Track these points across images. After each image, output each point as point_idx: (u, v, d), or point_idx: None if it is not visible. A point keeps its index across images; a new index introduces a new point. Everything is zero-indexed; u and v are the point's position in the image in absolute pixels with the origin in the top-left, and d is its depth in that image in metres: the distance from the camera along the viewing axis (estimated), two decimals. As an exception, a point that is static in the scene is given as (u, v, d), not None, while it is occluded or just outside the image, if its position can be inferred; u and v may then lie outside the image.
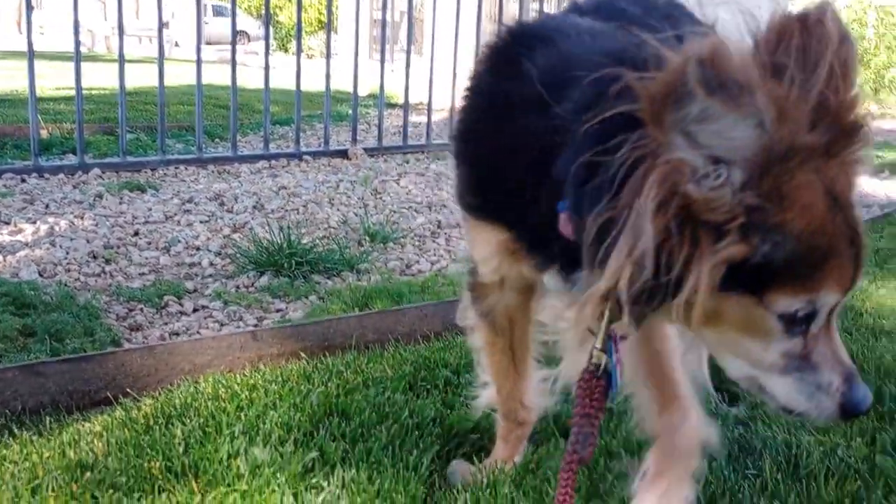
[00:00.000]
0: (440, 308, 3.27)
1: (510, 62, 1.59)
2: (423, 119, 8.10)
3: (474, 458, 2.11)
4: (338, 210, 5.37)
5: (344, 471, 1.99)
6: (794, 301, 1.24)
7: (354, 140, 7.56)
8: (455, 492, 1.96)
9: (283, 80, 8.67)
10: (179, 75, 9.37)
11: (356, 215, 5.19)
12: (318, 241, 4.51)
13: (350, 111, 7.87)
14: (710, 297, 1.22)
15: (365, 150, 7.45)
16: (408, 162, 7.40)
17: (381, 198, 5.84)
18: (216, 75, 9.29)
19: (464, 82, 1.85)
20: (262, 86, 6.84)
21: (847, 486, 1.96)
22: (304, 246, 4.18)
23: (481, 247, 1.76)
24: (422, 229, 5.05)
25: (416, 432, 2.18)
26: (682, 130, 1.15)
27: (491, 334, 2.02)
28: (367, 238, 4.71)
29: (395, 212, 5.44)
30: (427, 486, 1.99)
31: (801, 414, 1.36)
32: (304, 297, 3.72)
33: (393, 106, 9.83)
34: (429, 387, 2.52)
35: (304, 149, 7.29)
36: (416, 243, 4.78)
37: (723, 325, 1.31)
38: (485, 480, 1.97)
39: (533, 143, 1.49)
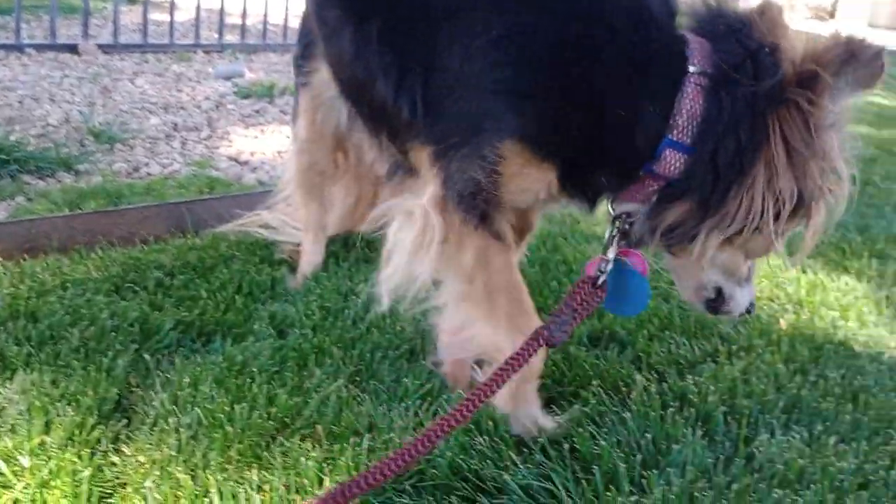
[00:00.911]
0: (165, 210, 3.08)
1: None
2: (167, 18, 7.53)
3: (175, 357, 2.01)
4: (59, 107, 4.88)
5: (26, 375, 1.82)
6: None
7: (86, 35, 6.89)
8: (153, 392, 1.85)
9: (1, -38, 7.68)
10: None
11: (81, 114, 4.75)
12: (31, 138, 4.07)
13: (81, 3, 7.14)
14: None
15: (99, 46, 6.82)
16: (147, 62, 6.87)
17: (111, 97, 5.38)
18: (-82, -49, 8.04)
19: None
20: (-29, -36, 6.01)
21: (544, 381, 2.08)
22: (11, 142, 3.75)
23: (526, 182, 1.70)
24: (155, 131, 4.72)
25: (114, 333, 2.03)
26: (835, 94, 1.50)
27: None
28: (91, 138, 4.33)
29: (126, 112, 5.03)
30: (124, 386, 1.87)
31: (731, 314, 1.88)
32: (10, 198, 3.35)
33: (133, 2, 9.05)
34: (137, 289, 2.36)
35: (26, 41, 6.55)
36: (148, 145, 4.46)
37: (742, 247, 1.70)
38: (187, 379, 1.88)
39: (642, 87, 1.59)
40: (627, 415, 1.91)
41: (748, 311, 1.89)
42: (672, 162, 1.59)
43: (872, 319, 2.67)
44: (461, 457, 1.72)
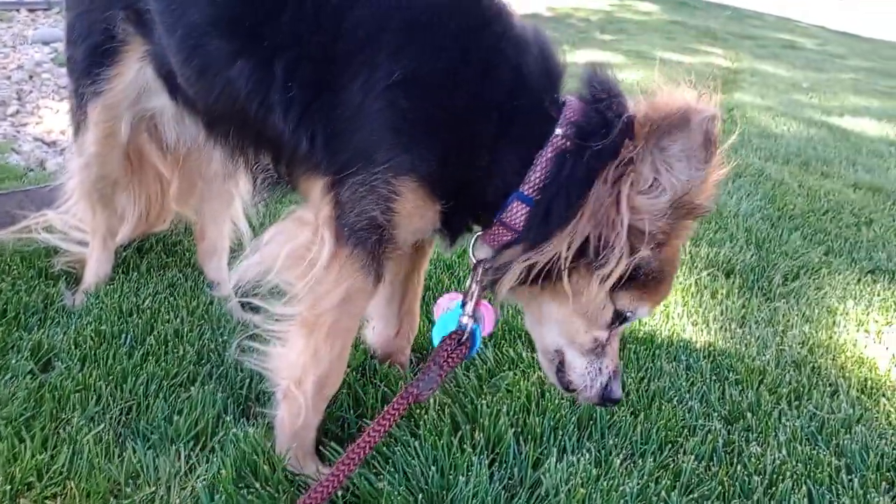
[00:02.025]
0: None
1: (472, 50, 1.65)
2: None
3: None
4: None
5: None
6: (630, 304, 1.68)
7: None
8: None
9: None
10: None
11: None
12: None
13: None
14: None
15: None
16: (-46, 23, 6.26)
17: None
18: None
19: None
20: None
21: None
22: None
23: (420, 220, 1.72)
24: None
25: None
26: (659, 156, 1.51)
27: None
28: None
29: None
30: None
31: (576, 391, 1.78)
32: None
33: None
34: None
35: None
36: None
37: (572, 304, 1.67)
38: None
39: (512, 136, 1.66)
40: (417, 444, 1.83)
41: (608, 401, 1.79)
42: (516, 213, 1.66)
43: (678, 311, 2.69)
44: (225, 512, 1.60)
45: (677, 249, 1.68)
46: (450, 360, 1.77)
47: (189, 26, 1.83)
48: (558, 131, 1.63)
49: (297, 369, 1.77)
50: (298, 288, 1.75)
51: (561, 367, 1.80)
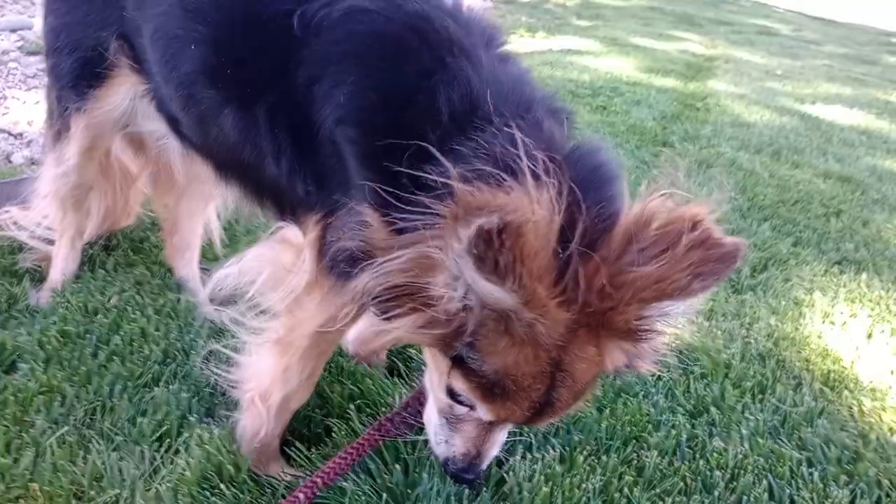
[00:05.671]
0: None
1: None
2: (-57, -43, 6.74)
3: None
4: None
5: None
6: (461, 389, 1.43)
7: None
8: None
9: None
10: None
11: None
12: None
13: None
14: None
15: None
16: (-79, 10, 6.14)
17: None
18: None
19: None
20: None
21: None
22: None
23: None
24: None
25: None
26: (454, 246, 1.21)
27: None
28: None
29: None
30: None
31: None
32: None
33: None
34: None
35: None
36: None
37: (432, 358, 1.52)
38: None
39: None
40: (381, 442, 1.83)
41: (445, 471, 1.62)
42: None
43: (646, 306, 2.71)
44: (189, 514, 1.60)
45: (520, 367, 1.34)
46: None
47: (182, 76, 1.82)
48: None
49: (264, 382, 1.76)
50: (278, 308, 1.72)
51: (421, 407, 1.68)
